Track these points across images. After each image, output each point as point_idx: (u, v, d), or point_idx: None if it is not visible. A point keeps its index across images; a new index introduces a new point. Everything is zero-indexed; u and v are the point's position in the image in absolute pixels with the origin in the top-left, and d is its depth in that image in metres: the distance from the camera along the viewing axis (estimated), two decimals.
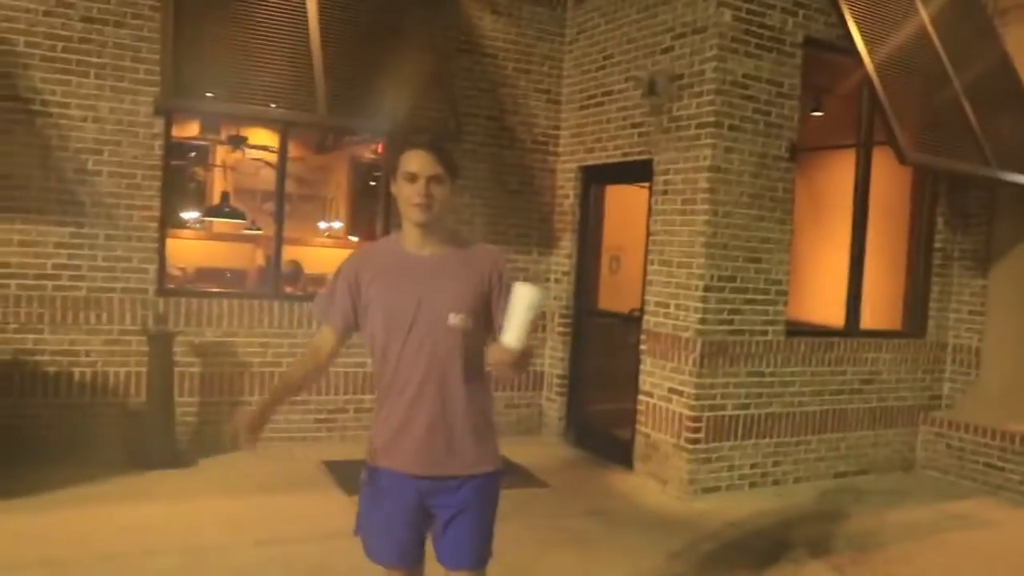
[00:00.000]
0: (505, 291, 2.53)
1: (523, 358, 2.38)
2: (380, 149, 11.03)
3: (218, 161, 10.67)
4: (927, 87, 6.32)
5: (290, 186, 10.93)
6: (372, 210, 12.09)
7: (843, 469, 6.68)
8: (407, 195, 2.48)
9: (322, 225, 11.42)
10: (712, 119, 5.82)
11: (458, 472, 2.58)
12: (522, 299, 2.32)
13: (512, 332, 2.33)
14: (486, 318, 2.60)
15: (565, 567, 4.52)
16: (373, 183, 11.94)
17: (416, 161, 2.47)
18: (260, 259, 9.82)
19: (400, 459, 2.57)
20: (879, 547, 5.17)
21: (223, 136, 10.23)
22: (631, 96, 6.58)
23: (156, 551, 4.35)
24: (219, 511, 5.05)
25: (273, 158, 10.53)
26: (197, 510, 5.04)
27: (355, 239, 11.02)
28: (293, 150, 10.53)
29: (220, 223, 10.32)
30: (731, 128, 5.88)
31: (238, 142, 9.90)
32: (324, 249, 10.52)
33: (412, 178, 2.46)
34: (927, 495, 6.48)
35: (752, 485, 6.18)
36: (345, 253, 8.83)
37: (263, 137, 10.46)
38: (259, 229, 10.23)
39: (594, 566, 4.56)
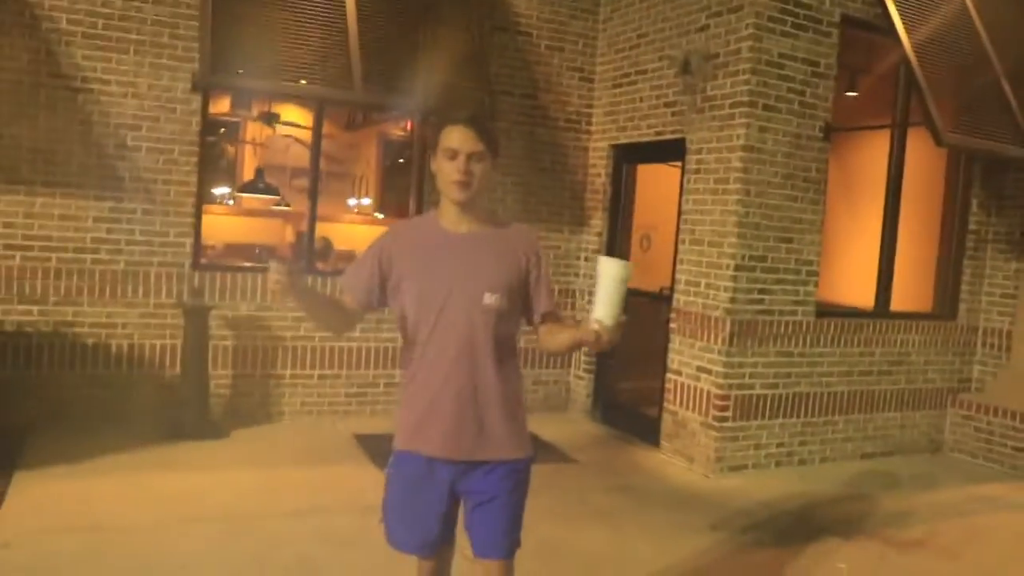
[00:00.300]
0: (542, 273, 2.56)
1: (616, 333, 2.26)
2: (409, 127, 11.07)
3: (248, 137, 10.77)
4: (966, 67, 6.26)
5: (320, 163, 11.09)
6: (401, 187, 12.17)
7: (870, 450, 6.69)
8: (447, 172, 2.44)
9: (351, 202, 11.49)
10: (747, 99, 5.81)
11: (489, 456, 2.52)
12: (609, 273, 2.23)
13: (603, 308, 2.24)
14: (522, 299, 2.56)
15: (594, 542, 4.59)
16: (402, 160, 12.01)
17: (457, 137, 2.42)
18: (290, 235, 9.91)
19: (428, 442, 2.50)
20: (907, 528, 5.19)
21: (254, 112, 10.32)
22: (664, 75, 6.57)
23: (196, 519, 4.46)
24: (255, 481, 5.15)
25: (303, 135, 10.64)
26: (233, 480, 5.15)
27: (381, 216, 11.12)
28: (324, 127, 10.64)
29: (249, 199, 10.43)
30: (765, 108, 5.86)
31: (271, 119, 9.99)
32: (353, 226, 10.60)
33: (452, 154, 2.42)
34: (955, 477, 6.48)
35: (778, 464, 6.21)
36: (374, 230, 8.93)
37: (293, 114, 10.53)
38: (288, 205, 10.33)
39: (623, 541, 4.62)
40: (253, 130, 10.76)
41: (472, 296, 2.45)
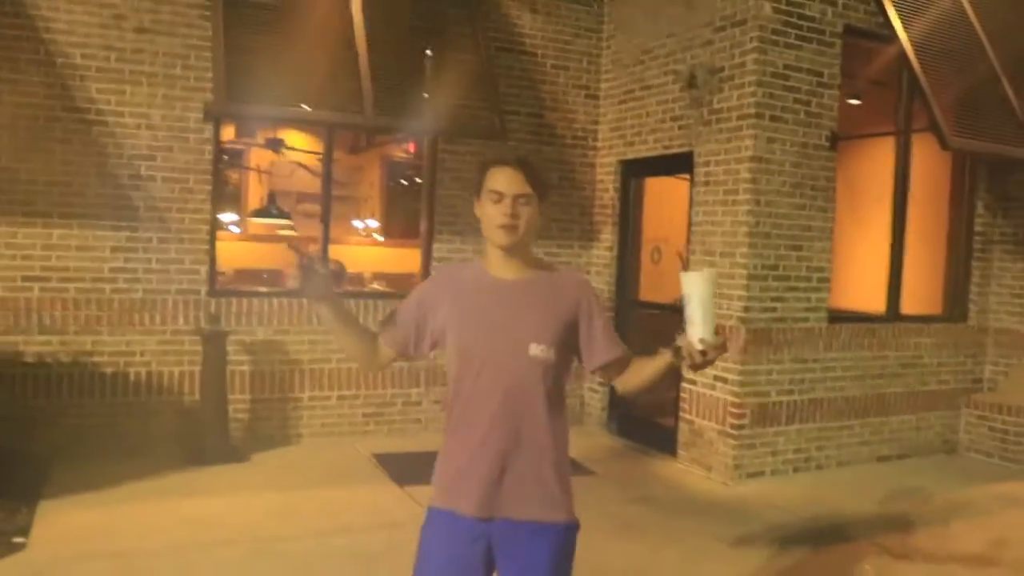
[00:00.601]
0: (599, 319, 2.38)
1: (719, 350, 2.10)
2: (412, 148, 11.18)
3: (253, 164, 10.86)
4: (967, 71, 6.34)
5: (311, 190, 11.17)
6: (406, 209, 12.28)
7: (886, 453, 6.72)
8: (491, 215, 2.28)
9: (357, 224, 11.57)
10: (753, 110, 5.88)
11: (533, 515, 2.31)
12: (698, 287, 2.08)
13: (702, 325, 2.08)
14: (572, 349, 2.38)
15: (622, 555, 4.62)
16: (404, 181, 12.10)
17: (503, 179, 2.27)
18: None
19: (465, 499, 2.29)
20: (927, 527, 5.23)
21: (260, 139, 10.41)
22: (670, 90, 6.65)
23: (221, 542, 4.50)
24: (278, 504, 5.19)
25: (308, 160, 10.75)
26: (256, 503, 5.18)
27: (382, 239, 11.21)
28: (312, 155, 10.74)
29: (256, 225, 10.51)
30: (772, 119, 5.94)
31: (277, 145, 10.08)
32: (360, 248, 10.67)
33: (498, 197, 2.27)
34: (971, 477, 6.50)
35: (796, 470, 6.24)
36: (381, 252, 9.01)
37: (298, 140, 10.63)
38: (295, 230, 10.40)
39: (650, 552, 4.65)
40: (257, 157, 10.85)
41: (517, 347, 2.29)
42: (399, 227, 12.12)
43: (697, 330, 2.07)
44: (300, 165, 10.68)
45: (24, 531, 4.47)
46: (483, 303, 2.35)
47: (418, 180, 12.10)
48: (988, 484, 6.34)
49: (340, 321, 2.38)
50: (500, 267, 2.36)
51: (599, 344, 2.38)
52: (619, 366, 2.40)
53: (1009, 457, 6.82)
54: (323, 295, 2.27)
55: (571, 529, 2.38)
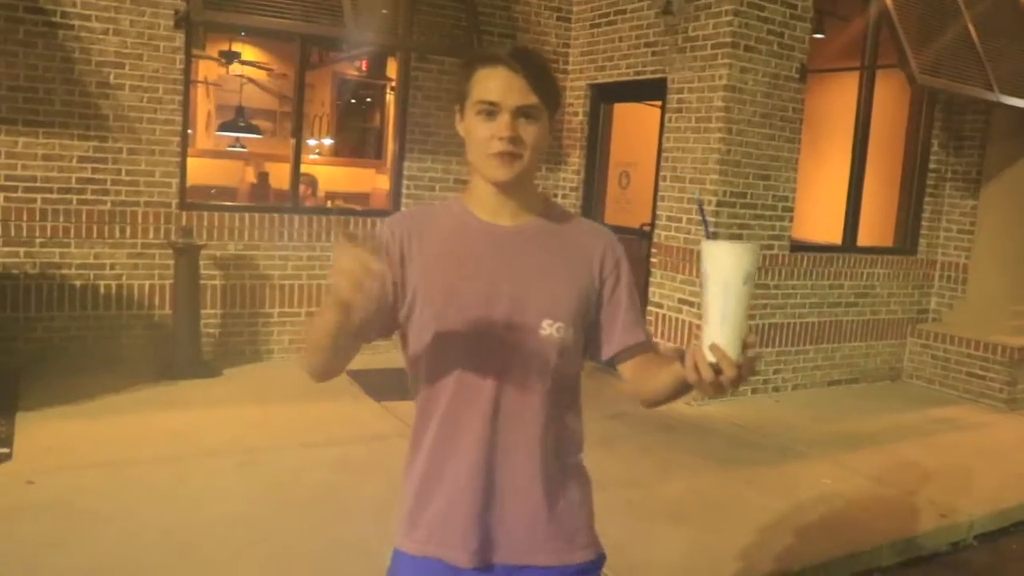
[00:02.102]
0: (626, 290, 1.72)
1: (747, 369, 1.36)
2: (365, 66, 11.00)
3: (201, 77, 10.56)
4: (936, 13, 6.50)
5: (273, 103, 10.98)
6: (358, 128, 12.14)
7: (837, 378, 7.05)
8: (481, 137, 1.59)
9: (311, 142, 11.41)
10: (729, 39, 5.96)
11: (548, 559, 1.69)
12: (727, 267, 1.32)
13: (717, 326, 1.33)
14: (590, 329, 1.71)
15: (600, 463, 4.79)
16: (354, 100, 11.93)
17: (497, 85, 1.56)
18: (251, 176, 9.84)
19: (455, 545, 1.66)
20: (874, 446, 5.56)
21: (211, 52, 10.11)
22: (644, 15, 6.67)
23: (210, 453, 4.56)
24: (257, 417, 5.25)
25: (258, 74, 10.51)
26: (235, 416, 5.23)
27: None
28: (278, 67, 10.51)
29: (204, 140, 10.29)
30: (746, 48, 6.03)
31: (232, 57, 9.81)
32: (315, 167, 10.56)
33: (491, 111, 1.57)
34: (915, 402, 6.89)
35: (754, 392, 6.52)
36: (333, 171, 8.91)
37: (250, 53, 10.37)
38: (244, 147, 10.22)
39: (626, 461, 4.88)
40: (206, 69, 10.55)
41: (524, 322, 1.63)
42: (351, 146, 12.00)
43: (712, 332, 1.34)
44: (250, 80, 10.44)
45: (6, 442, 4.46)
46: (473, 258, 1.66)
47: (369, 100, 12.02)
48: (930, 408, 6.72)
49: (346, 335, 1.49)
50: (493, 209, 1.67)
51: (621, 322, 1.71)
52: (640, 353, 1.72)
53: (950, 384, 7.21)
54: (353, 300, 1.37)
55: (596, 568, 1.76)
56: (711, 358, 1.33)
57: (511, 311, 1.62)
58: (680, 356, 1.44)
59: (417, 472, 1.71)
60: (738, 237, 6.17)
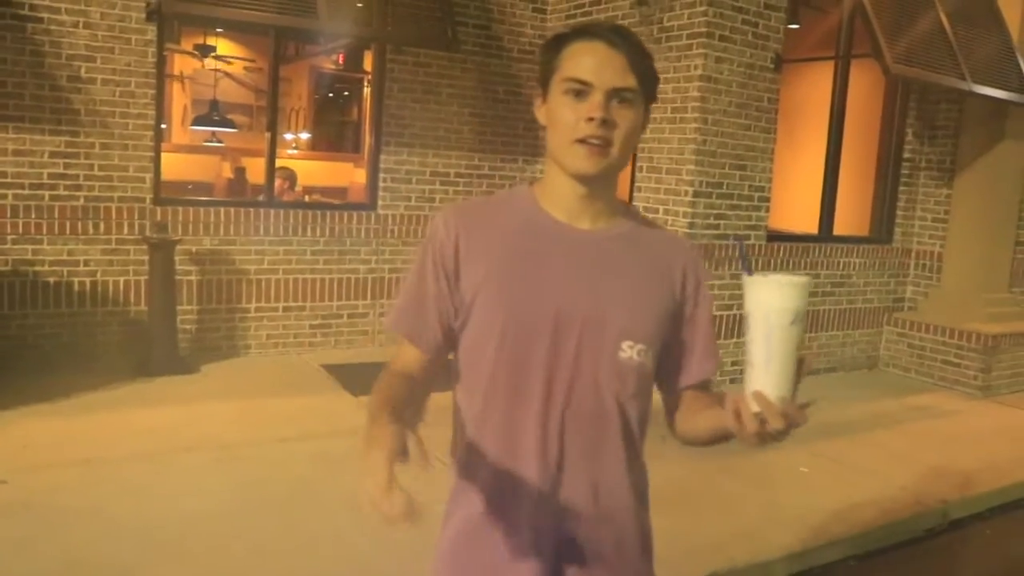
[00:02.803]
0: (705, 314, 1.54)
1: (796, 419, 1.22)
2: (342, 59, 10.93)
3: (177, 71, 10.46)
4: (910, 2, 6.55)
5: (250, 97, 10.91)
6: (334, 122, 12.07)
7: (815, 367, 7.05)
8: (568, 120, 1.38)
9: (288, 136, 11.34)
10: (704, 29, 5.97)
11: None
12: (776, 308, 1.21)
13: (762, 368, 1.22)
14: (667, 353, 1.52)
15: None
16: (331, 94, 11.86)
17: (592, 61, 1.37)
18: (227, 171, 9.77)
19: None
20: (851, 434, 5.60)
21: (186, 45, 10.02)
22: (620, 6, 6.67)
23: (186, 448, 4.53)
24: (234, 413, 5.22)
25: (235, 68, 10.42)
26: (213, 412, 5.20)
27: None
28: (254, 60, 10.43)
29: (180, 134, 10.20)
30: (721, 39, 6.04)
31: (208, 51, 9.73)
32: (293, 161, 10.50)
33: (581, 90, 1.37)
34: (891, 390, 6.95)
35: (733, 381, 6.54)
36: (311, 165, 8.84)
37: (225, 47, 10.29)
38: (220, 141, 10.15)
39: None
40: (181, 63, 10.46)
41: (602, 342, 1.42)
42: (328, 139, 11.94)
43: (757, 378, 1.21)
44: (226, 74, 10.36)
45: None
46: (540, 266, 1.44)
47: (346, 93, 11.96)
48: (905, 396, 6.79)
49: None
50: (571, 208, 1.46)
51: (700, 349, 1.53)
52: (704, 388, 1.55)
53: (925, 372, 7.28)
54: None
55: None
56: (755, 407, 1.20)
57: (586, 329, 1.41)
58: (721, 400, 1.31)
59: (463, 510, 1.47)
60: (714, 227, 6.21)
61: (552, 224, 1.46)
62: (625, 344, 1.42)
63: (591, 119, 1.35)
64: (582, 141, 1.37)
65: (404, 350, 1.51)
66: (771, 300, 1.20)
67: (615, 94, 1.37)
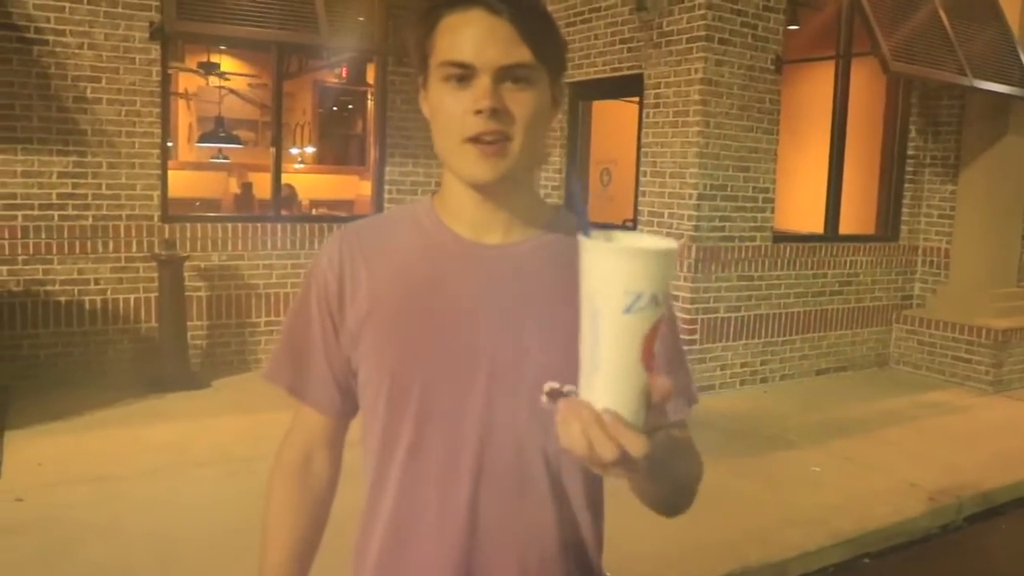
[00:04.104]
0: (671, 341, 1.18)
1: (630, 444, 0.80)
2: (344, 73, 11.00)
3: (181, 89, 10.55)
4: (907, 1, 6.56)
5: (255, 113, 10.98)
6: (339, 135, 12.14)
7: (824, 366, 7.09)
8: (452, 114, 1.09)
9: (294, 151, 11.42)
10: (703, 33, 5.99)
11: None
12: (604, 289, 0.81)
13: (596, 378, 0.82)
14: None
15: None
16: (335, 108, 11.93)
17: (472, 35, 1.07)
18: (234, 187, 9.84)
19: None
20: (863, 432, 5.60)
21: (190, 63, 10.10)
22: (619, 12, 6.69)
23: (198, 463, 4.56)
24: (246, 427, 5.22)
25: (238, 84, 10.50)
26: (224, 427, 5.22)
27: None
28: (257, 76, 10.51)
29: (185, 152, 10.29)
30: (721, 41, 6.06)
31: (212, 68, 9.81)
32: (298, 176, 10.57)
33: (462, 75, 1.08)
34: (902, 388, 6.93)
35: (743, 383, 6.55)
36: (317, 178, 8.90)
37: (229, 64, 10.37)
38: (227, 157, 10.22)
39: None
40: (186, 81, 10.54)
41: (515, 387, 1.12)
42: (333, 153, 12.01)
43: (585, 384, 0.84)
44: (231, 91, 10.44)
45: None
46: (441, 295, 1.16)
47: (350, 106, 12.03)
48: (916, 393, 6.77)
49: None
50: (476, 222, 1.17)
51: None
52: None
53: (935, 368, 7.26)
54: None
55: None
56: (605, 425, 0.81)
57: (497, 370, 1.11)
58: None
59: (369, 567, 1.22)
60: (720, 229, 6.22)
61: (453, 241, 1.17)
62: (549, 384, 1.08)
63: (478, 112, 1.06)
64: (473, 140, 1.07)
65: (302, 415, 1.30)
66: (601, 273, 0.81)
67: (505, 74, 1.07)
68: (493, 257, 1.16)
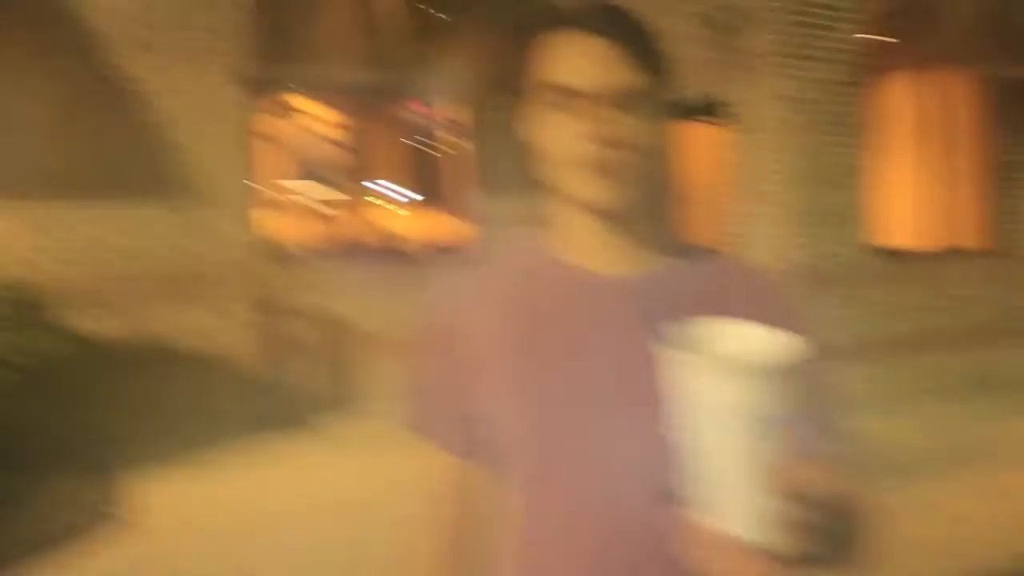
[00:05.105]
0: (822, 387, 1.12)
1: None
2: (434, 110, 11.03)
3: (267, 131, 10.71)
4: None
5: (343, 153, 11.08)
6: (426, 172, 12.16)
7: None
8: (562, 140, 1.04)
9: (384, 191, 11.45)
10: (780, 49, 5.95)
11: None
12: (715, 405, 0.74)
13: (732, 501, 0.76)
14: None
15: None
16: (427, 145, 11.96)
17: (579, 60, 1.03)
18: (327, 227, 9.92)
19: None
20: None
21: (276, 105, 10.27)
22: (689, 32, 6.62)
23: (320, 507, 4.50)
24: (357, 470, 5.16)
25: (325, 125, 10.66)
26: (346, 466, 5.20)
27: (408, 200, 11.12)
28: (345, 116, 10.65)
29: (281, 194, 10.43)
30: (797, 56, 6.00)
31: (296, 110, 10.01)
32: (392, 216, 10.59)
33: (567, 99, 1.04)
34: None
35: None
36: (410, 218, 8.83)
37: (316, 104, 10.54)
38: (318, 198, 10.35)
39: None
40: (272, 124, 10.71)
41: (648, 425, 1.01)
42: (421, 191, 12.02)
43: (725, 511, 0.77)
44: (318, 131, 10.62)
45: (118, 504, 4.56)
46: (581, 337, 1.08)
47: (442, 143, 12.02)
48: None
49: None
50: (601, 253, 1.11)
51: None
52: None
53: None
54: None
55: None
56: (727, 552, 0.78)
57: (652, 414, 0.98)
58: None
59: None
60: (809, 247, 6.11)
61: (587, 278, 1.10)
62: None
63: (591, 135, 1.01)
64: (588, 165, 1.03)
65: (447, 464, 1.19)
66: (715, 397, 0.71)
67: (616, 98, 1.02)
68: (632, 291, 1.08)
